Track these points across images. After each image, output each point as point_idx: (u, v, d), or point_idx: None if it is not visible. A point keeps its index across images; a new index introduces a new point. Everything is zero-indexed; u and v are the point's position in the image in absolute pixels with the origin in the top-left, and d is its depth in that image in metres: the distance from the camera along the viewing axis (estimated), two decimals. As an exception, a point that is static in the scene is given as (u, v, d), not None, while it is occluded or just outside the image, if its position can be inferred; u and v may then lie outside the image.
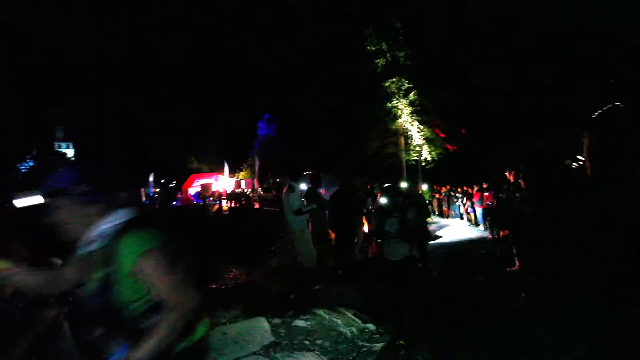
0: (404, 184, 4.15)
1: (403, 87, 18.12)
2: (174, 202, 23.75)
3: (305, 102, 21.55)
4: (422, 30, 17.63)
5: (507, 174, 6.19)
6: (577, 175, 3.10)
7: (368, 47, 18.06)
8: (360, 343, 3.25)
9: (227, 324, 3.55)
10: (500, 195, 8.50)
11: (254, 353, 2.98)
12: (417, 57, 17.78)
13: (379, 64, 18.14)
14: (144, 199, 21.62)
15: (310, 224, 5.19)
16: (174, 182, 28.55)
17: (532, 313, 3.67)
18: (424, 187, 15.40)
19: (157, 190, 25.40)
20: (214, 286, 5.22)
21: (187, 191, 24.46)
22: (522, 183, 4.87)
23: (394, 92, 18.22)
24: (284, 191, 5.02)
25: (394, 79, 18.05)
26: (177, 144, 31.16)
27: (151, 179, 23.43)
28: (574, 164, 3.94)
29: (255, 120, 27.92)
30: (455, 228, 11.87)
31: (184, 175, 26.46)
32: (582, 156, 2.17)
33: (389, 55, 18.08)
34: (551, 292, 3.49)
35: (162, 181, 27.34)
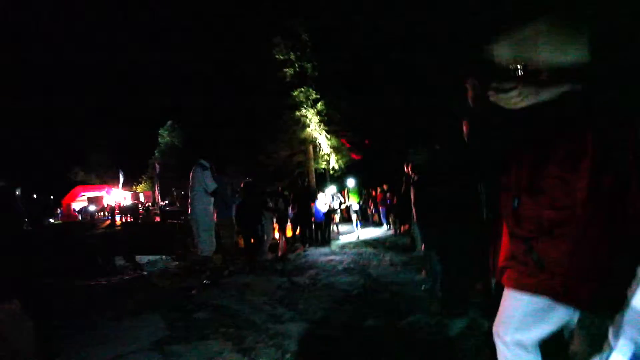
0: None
1: (311, 97, 18.67)
2: (51, 220, 20.06)
3: (211, 109, 20.68)
4: (328, 43, 18.56)
5: (405, 167, 6.71)
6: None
7: (276, 56, 18.26)
8: (270, 326, 3.00)
9: (110, 320, 2.95)
10: (401, 188, 9.18)
11: (141, 347, 2.50)
12: (323, 69, 18.58)
13: (288, 73, 18.44)
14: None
15: (215, 214, 4.75)
16: (51, 196, 24.18)
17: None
18: (351, 185, 13.31)
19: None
20: (104, 282, 4.41)
21: (69, 206, 20.97)
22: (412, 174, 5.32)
23: (302, 101, 18.63)
24: (193, 169, 4.48)
25: (302, 89, 18.48)
26: (57, 153, 26.63)
27: (18, 192, 19.42)
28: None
29: (155, 127, 25.58)
30: (361, 229, 12.41)
31: (65, 188, 22.64)
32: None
33: (297, 65, 18.53)
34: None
35: (35, 196, 22.89)
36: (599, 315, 1.17)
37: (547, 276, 1.19)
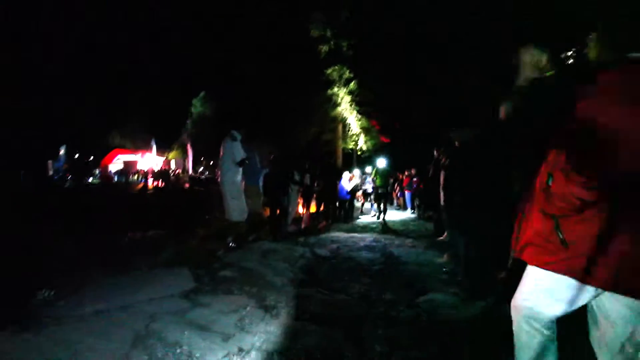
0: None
1: (344, 76, 18.36)
2: (90, 179, 21.32)
3: (245, 81, 20.80)
4: (367, 23, 18.02)
5: (435, 152, 6.59)
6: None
7: (312, 32, 17.95)
8: (291, 289, 3.12)
9: (144, 270, 3.18)
10: (428, 173, 9.04)
11: (171, 295, 2.69)
12: (359, 48, 18.14)
13: (323, 50, 18.15)
14: (50, 172, 19.02)
15: (243, 182, 4.91)
16: (91, 157, 25.55)
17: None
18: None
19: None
20: (133, 233, 4.71)
21: (107, 167, 22.14)
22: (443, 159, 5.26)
23: (335, 79, 18.38)
24: (224, 139, 4.65)
25: (336, 67, 18.19)
26: (97, 117, 27.81)
27: (62, 151, 20.70)
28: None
29: (189, 98, 26.12)
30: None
31: (103, 151, 23.84)
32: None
33: (332, 42, 18.17)
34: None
35: (77, 156, 24.29)
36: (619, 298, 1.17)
37: (570, 255, 1.20)
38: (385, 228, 7.81)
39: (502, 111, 2.49)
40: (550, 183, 1.29)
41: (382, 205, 9.11)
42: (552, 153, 1.33)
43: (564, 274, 1.21)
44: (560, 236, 1.22)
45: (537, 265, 1.29)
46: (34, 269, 3.16)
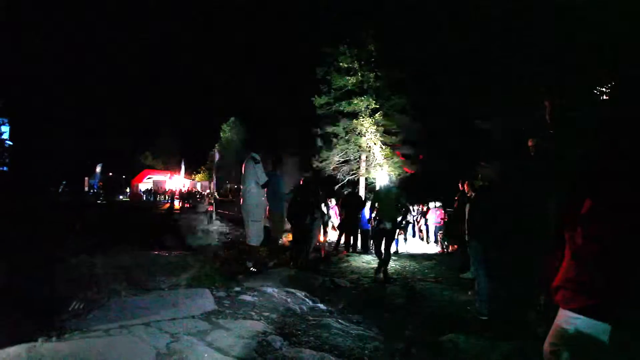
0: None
1: (370, 107, 18.65)
2: (121, 197, 22.22)
3: (271, 109, 21.55)
4: (394, 56, 18.52)
5: (459, 185, 6.50)
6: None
7: (340, 64, 18.54)
8: (310, 318, 3.09)
9: (166, 289, 3.24)
10: (452, 208, 8.84)
11: (192, 316, 2.72)
12: (385, 80, 18.52)
13: (350, 82, 18.63)
14: (86, 188, 19.98)
15: (267, 209, 5.00)
16: (123, 176, 26.77)
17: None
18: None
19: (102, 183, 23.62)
20: (158, 252, 4.82)
21: (137, 186, 23.04)
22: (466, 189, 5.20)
23: (361, 110, 18.69)
24: (245, 162, 4.75)
25: (362, 98, 18.53)
26: (132, 137, 29.39)
27: (98, 169, 21.78)
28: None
29: (218, 123, 27.23)
30: (408, 243, 12.09)
31: (135, 170, 24.93)
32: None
33: (360, 74, 18.66)
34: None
35: (110, 174, 25.50)
36: None
37: (607, 299, 1.16)
38: (406, 261, 7.61)
39: (531, 145, 2.47)
40: (586, 225, 1.26)
41: (382, 248, 5.33)
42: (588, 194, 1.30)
43: (600, 319, 1.16)
44: (597, 279, 1.18)
45: (572, 309, 1.24)
46: (66, 281, 3.29)
